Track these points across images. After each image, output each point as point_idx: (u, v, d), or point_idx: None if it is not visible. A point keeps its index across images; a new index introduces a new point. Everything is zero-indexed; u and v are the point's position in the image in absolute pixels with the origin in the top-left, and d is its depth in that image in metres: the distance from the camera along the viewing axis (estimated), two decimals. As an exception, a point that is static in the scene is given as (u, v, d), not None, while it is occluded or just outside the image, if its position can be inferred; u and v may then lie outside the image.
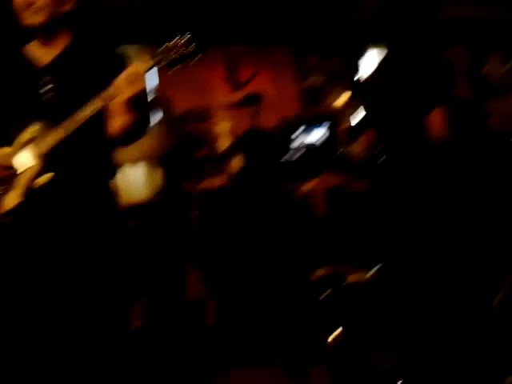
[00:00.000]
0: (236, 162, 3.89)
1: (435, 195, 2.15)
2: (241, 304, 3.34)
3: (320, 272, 2.47)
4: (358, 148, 5.00)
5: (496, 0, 4.88)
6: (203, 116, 4.47)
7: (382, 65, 2.43)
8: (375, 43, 5.41)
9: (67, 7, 1.76)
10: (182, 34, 1.62)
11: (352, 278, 2.36)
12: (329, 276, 2.46)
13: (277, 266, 3.48)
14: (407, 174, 2.21)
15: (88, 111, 1.63)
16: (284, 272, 3.39)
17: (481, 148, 2.46)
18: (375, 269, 2.32)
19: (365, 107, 2.71)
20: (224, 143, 4.43)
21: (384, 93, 2.36)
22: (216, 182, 4.01)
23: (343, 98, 5.44)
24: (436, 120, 2.11)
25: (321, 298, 2.43)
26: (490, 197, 2.38)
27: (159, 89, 4.46)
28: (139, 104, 1.70)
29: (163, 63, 1.63)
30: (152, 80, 4.34)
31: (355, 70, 5.54)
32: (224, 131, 4.46)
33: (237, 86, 4.93)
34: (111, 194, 1.88)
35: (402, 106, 2.24)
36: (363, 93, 2.70)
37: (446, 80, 2.24)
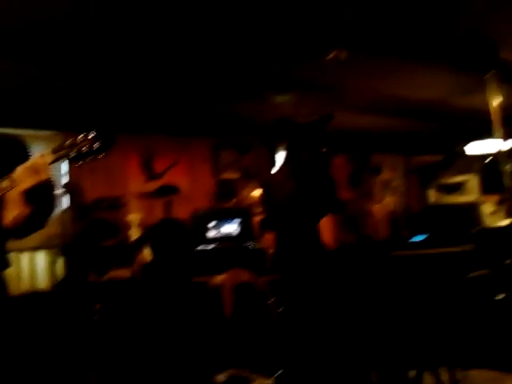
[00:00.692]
0: (145, 254, 3.79)
1: (333, 299, 2.21)
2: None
3: (221, 377, 2.37)
4: (268, 243, 5.09)
5: (387, 114, 5.42)
6: (115, 205, 4.38)
7: (281, 168, 2.59)
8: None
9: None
10: (96, 123, 1.62)
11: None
12: (230, 380, 2.36)
13: (179, 366, 3.31)
14: (306, 274, 2.27)
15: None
16: (186, 372, 3.23)
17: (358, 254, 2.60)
18: (277, 374, 2.27)
19: (266, 207, 2.81)
20: (134, 233, 4.33)
21: (279, 196, 2.48)
22: (123, 273, 3.86)
23: (256, 193, 5.62)
24: (325, 227, 2.24)
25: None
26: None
27: (70, 176, 4.36)
28: (41, 194, 1.64)
29: (70, 156, 1.60)
30: (63, 167, 4.25)
31: (270, 167, 5.78)
32: (135, 221, 4.38)
33: (152, 175, 4.93)
34: (3, 284, 1.74)
35: (296, 211, 2.36)
36: (264, 191, 2.82)
37: (332, 190, 2.40)
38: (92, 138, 1.56)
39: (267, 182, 2.73)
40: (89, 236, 4.06)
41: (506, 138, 1.97)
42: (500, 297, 3.68)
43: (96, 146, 1.55)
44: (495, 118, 1.90)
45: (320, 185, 2.36)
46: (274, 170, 2.71)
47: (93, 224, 4.17)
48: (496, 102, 1.86)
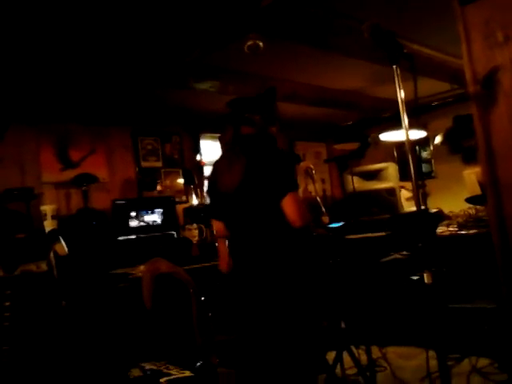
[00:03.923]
0: (60, 247, 3.63)
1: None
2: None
3: (136, 370, 2.32)
4: (194, 232, 5.06)
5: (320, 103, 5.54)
6: (27, 195, 4.16)
7: (227, 149, 2.44)
8: (214, 132, 5.71)
9: None
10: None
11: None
12: (146, 374, 2.32)
13: (95, 362, 3.22)
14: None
15: None
16: (102, 367, 3.14)
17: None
18: (196, 365, 2.24)
19: (212, 194, 2.62)
20: (49, 224, 4.13)
21: (229, 179, 2.32)
22: (37, 267, 3.67)
23: (179, 181, 5.55)
24: (287, 205, 2.13)
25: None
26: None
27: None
28: None
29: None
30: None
31: (194, 153, 5.73)
32: (50, 212, 4.18)
33: (68, 165, 4.72)
34: None
35: (249, 194, 2.22)
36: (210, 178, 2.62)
37: (287, 166, 2.26)
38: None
39: (214, 166, 2.51)
40: (-1, 228, 3.83)
41: (412, 127, 2.05)
42: (414, 278, 3.86)
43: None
44: (401, 108, 1.98)
45: (272, 162, 2.20)
46: (219, 155, 2.52)
47: (3, 216, 3.94)
48: (401, 93, 1.94)
